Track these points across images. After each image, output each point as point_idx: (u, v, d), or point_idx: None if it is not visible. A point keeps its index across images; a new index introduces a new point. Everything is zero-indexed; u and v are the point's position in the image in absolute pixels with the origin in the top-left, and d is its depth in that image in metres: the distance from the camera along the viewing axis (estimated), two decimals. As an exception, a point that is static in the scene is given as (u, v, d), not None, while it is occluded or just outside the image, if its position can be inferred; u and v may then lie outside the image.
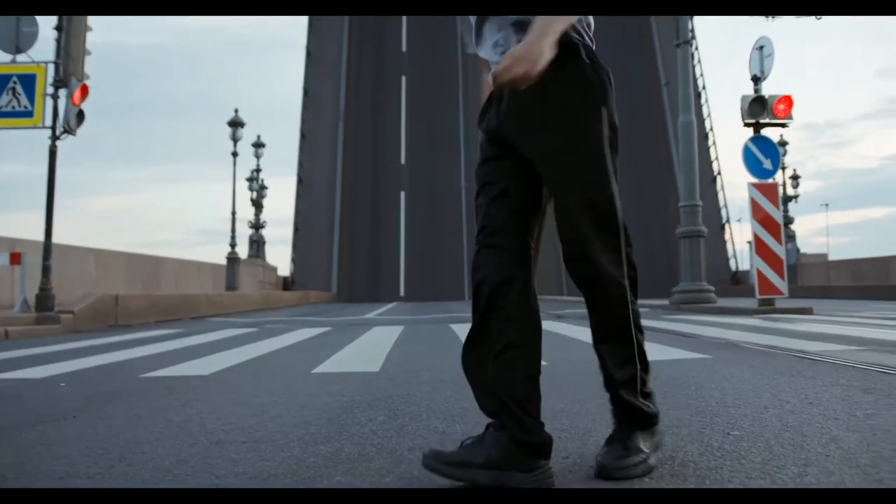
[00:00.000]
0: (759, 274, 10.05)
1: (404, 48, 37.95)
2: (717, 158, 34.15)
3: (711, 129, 33.54)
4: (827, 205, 73.32)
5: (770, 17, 13.16)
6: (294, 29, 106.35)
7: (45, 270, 9.98)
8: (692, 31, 12.86)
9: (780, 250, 10.14)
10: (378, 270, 34.63)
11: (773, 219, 10.20)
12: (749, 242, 32.30)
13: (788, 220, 33.64)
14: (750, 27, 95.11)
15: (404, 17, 37.46)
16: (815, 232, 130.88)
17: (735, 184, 40.86)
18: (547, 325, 8.47)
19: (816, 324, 7.66)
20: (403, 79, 37.31)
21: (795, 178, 33.88)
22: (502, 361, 1.71)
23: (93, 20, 10.81)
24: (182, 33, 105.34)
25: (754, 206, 10.21)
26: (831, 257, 35.67)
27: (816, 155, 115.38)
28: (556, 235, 1.80)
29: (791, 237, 31.89)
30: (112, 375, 4.36)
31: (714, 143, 33.67)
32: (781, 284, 10.03)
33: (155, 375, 4.24)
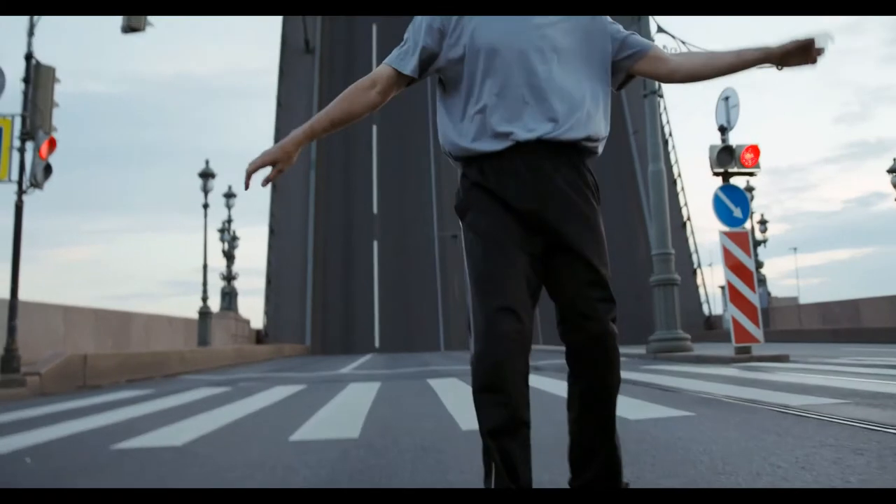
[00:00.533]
0: (735, 322, 10.08)
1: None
2: (686, 204, 34.63)
3: (679, 175, 34.08)
4: (795, 249, 74.45)
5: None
6: (264, 77, 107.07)
7: (11, 331, 9.72)
8: (658, 83, 13.08)
9: (753, 297, 10.20)
10: (352, 322, 34.37)
11: (746, 266, 10.29)
12: (721, 287, 32.72)
13: (759, 265, 34.02)
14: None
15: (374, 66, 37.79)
16: (784, 274, 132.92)
17: (705, 228, 41.45)
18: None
19: (794, 373, 7.66)
20: (374, 128, 37.56)
21: (763, 222, 34.37)
22: (520, 442, 1.83)
23: (60, 70, 10.73)
24: (150, 82, 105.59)
25: (726, 254, 10.30)
26: (801, 300, 36.09)
27: (781, 199, 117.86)
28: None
29: (762, 281, 32.24)
30: (81, 448, 4.20)
31: (682, 188, 34.18)
32: (757, 332, 10.07)
33: (126, 447, 4.08)
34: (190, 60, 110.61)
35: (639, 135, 31.92)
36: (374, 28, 38.92)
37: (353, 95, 2.01)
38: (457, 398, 6.06)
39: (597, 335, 1.92)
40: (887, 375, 6.93)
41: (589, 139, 1.96)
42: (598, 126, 1.98)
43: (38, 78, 10.46)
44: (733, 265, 10.26)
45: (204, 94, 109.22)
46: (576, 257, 1.94)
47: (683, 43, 13.27)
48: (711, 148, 10.41)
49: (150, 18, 10.64)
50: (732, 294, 10.14)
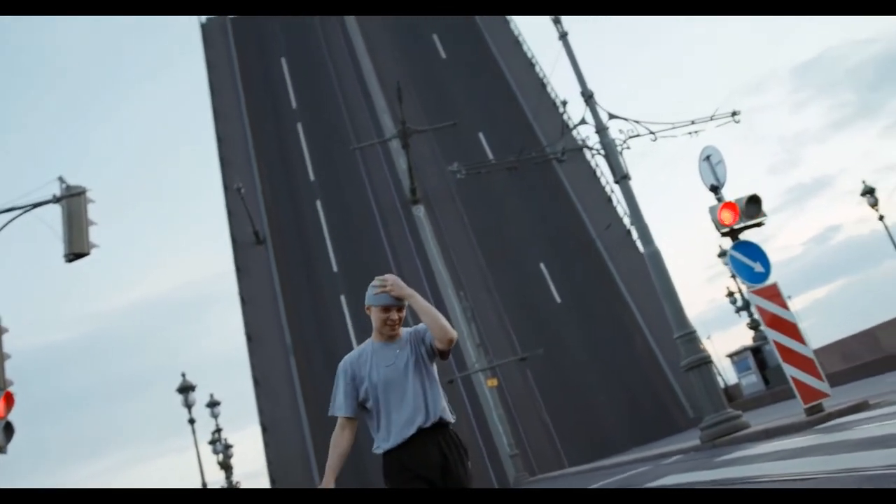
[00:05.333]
0: (795, 381, 9.17)
1: (335, 269, 37.92)
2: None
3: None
4: (790, 297, 74.39)
5: (694, 134, 13.23)
6: (223, 280, 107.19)
7: None
8: (625, 167, 12.72)
9: (805, 350, 9.38)
10: None
11: (786, 320, 9.51)
12: (729, 356, 31.86)
13: (756, 324, 33.41)
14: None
15: (328, 240, 37.86)
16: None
17: (688, 303, 41.00)
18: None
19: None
20: (342, 297, 36.95)
21: (748, 281, 33.99)
22: None
23: (8, 321, 9.91)
24: (109, 316, 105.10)
25: (761, 312, 9.56)
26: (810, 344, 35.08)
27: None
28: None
29: (766, 339, 31.48)
30: None
31: (662, 268, 33.76)
32: (822, 385, 9.17)
33: None
34: (143, 284, 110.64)
35: (611, 229, 31.95)
36: (319, 205, 39.10)
37: (337, 440, 3.36)
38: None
39: None
40: None
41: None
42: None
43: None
44: (771, 321, 9.49)
45: (166, 311, 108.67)
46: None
47: (637, 122, 13.07)
48: (711, 209, 9.83)
49: (94, 238, 9.96)
50: (783, 352, 9.29)
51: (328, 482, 3.21)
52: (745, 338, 43.70)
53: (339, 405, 3.37)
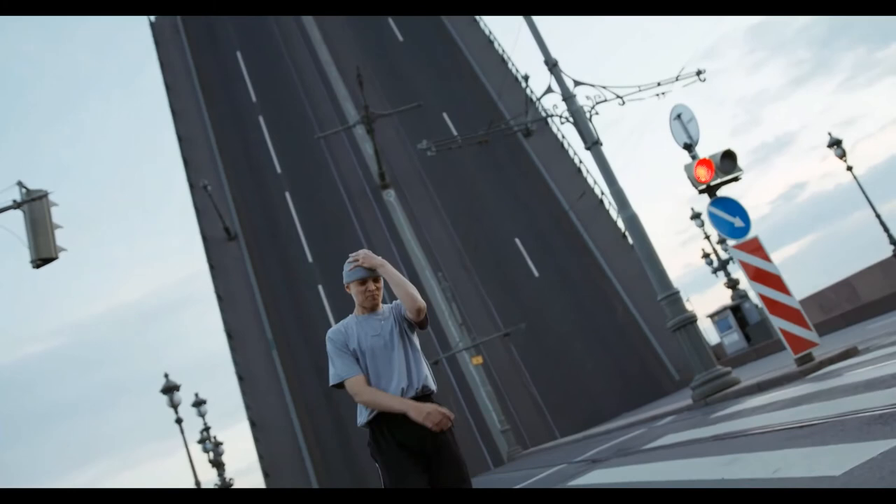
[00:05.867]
0: (784, 333, 9.16)
1: (310, 259, 37.63)
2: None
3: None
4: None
5: (661, 95, 13.14)
6: (197, 280, 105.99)
7: None
8: (596, 133, 12.60)
9: (791, 301, 9.36)
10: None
11: (769, 272, 9.48)
12: (709, 316, 32.02)
13: (735, 282, 33.67)
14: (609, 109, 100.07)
15: (300, 231, 37.53)
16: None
17: (667, 266, 41.15)
18: (589, 479, 7.22)
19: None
20: (320, 287, 36.71)
21: (723, 241, 34.23)
22: None
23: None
24: (86, 325, 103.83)
25: (745, 266, 9.53)
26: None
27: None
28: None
29: (745, 296, 31.76)
30: None
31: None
32: (811, 334, 9.17)
33: None
34: (117, 292, 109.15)
35: (583, 200, 32.00)
36: (289, 196, 38.69)
37: (370, 389, 3.36)
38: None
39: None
40: None
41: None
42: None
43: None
44: (756, 275, 9.45)
45: (143, 317, 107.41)
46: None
47: (604, 88, 12.96)
48: (687, 167, 9.74)
49: (61, 242, 9.65)
50: (769, 305, 9.27)
51: (408, 403, 3.28)
52: (724, 298, 44.09)
53: (343, 368, 3.41)
